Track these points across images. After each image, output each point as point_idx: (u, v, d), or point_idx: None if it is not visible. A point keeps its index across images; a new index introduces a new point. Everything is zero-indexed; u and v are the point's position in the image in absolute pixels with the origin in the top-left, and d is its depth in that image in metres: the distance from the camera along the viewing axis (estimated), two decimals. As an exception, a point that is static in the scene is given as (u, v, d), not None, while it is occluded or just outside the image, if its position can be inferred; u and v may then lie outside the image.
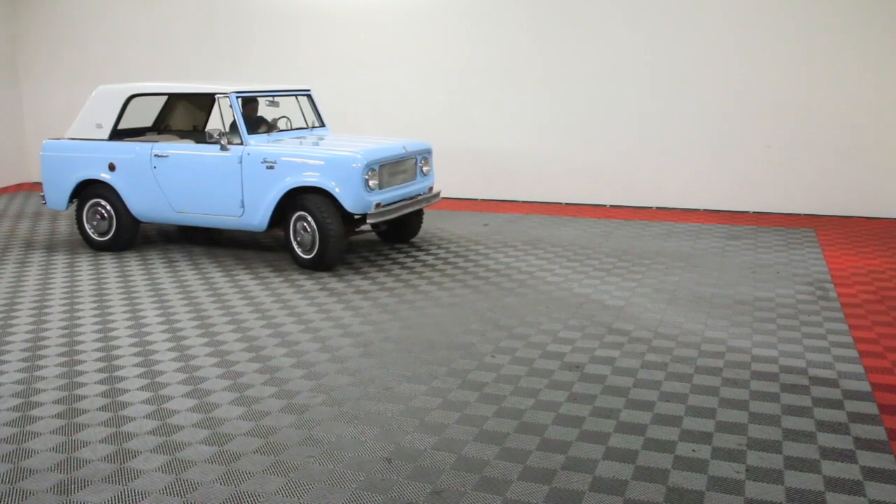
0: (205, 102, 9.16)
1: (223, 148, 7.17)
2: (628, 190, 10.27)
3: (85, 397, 4.24)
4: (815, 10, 9.17)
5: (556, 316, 5.66)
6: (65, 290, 6.45)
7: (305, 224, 6.89)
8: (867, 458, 3.53)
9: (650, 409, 4.05)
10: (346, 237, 6.97)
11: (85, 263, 7.37)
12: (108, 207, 7.76)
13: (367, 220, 6.84)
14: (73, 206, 8.04)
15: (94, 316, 5.71)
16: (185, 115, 9.13)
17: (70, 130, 8.01)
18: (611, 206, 10.37)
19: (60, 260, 7.53)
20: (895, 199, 9.28)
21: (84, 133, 7.91)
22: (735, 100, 9.60)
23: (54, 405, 4.14)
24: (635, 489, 3.29)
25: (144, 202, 7.61)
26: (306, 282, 6.64)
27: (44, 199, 8.08)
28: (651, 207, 10.19)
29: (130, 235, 7.85)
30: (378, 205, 6.91)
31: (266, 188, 7.01)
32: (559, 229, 8.87)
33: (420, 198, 7.60)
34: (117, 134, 7.91)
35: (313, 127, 8.19)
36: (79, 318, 5.67)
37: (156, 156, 7.49)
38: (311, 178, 6.83)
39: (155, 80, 9.12)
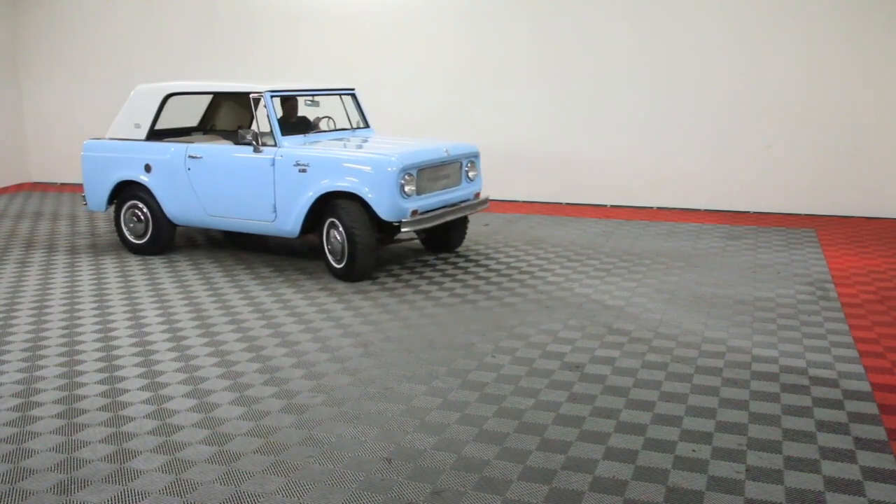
0: (248, 102, 8.68)
1: (256, 149, 6.87)
2: (628, 190, 10.27)
3: (85, 397, 4.24)
4: (816, 10, 9.17)
5: (556, 316, 5.66)
6: (65, 290, 6.44)
7: (336, 232, 6.54)
8: (867, 458, 3.53)
9: (650, 409, 4.05)
10: (377, 246, 6.63)
11: (85, 263, 7.37)
12: (145, 210, 7.55)
13: (402, 229, 6.44)
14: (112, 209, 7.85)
15: (95, 316, 5.71)
16: (229, 115, 8.91)
17: (110, 130, 7.83)
18: (611, 206, 10.37)
19: (60, 260, 7.52)
20: (895, 199, 9.28)
21: (123, 133, 7.72)
22: (735, 100, 9.60)
23: (54, 405, 4.14)
24: (635, 489, 3.29)
25: (179, 205, 7.37)
26: (306, 282, 6.63)
27: (85, 201, 7.91)
28: (651, 207, 10.19)
29: (167, 239, 7.61)
30: (415, 212, 6.48)
31: (298, 192, 6.67)
32: (559, 229, 8.87)
33: (464, 205, 7.12)
34: (156, 134, 7.72)
35: (356, 128, 7.87)
36: (79, 318, 5.67)
37: (190, 157, 7.23)
38: (343, 183, 6.45)
39: (192, 79, 8.95)
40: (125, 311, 5.82)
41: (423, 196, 6.66)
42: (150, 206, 7.51)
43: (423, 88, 10.80)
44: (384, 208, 6.36)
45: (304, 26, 11.25)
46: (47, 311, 5.85)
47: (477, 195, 7.43)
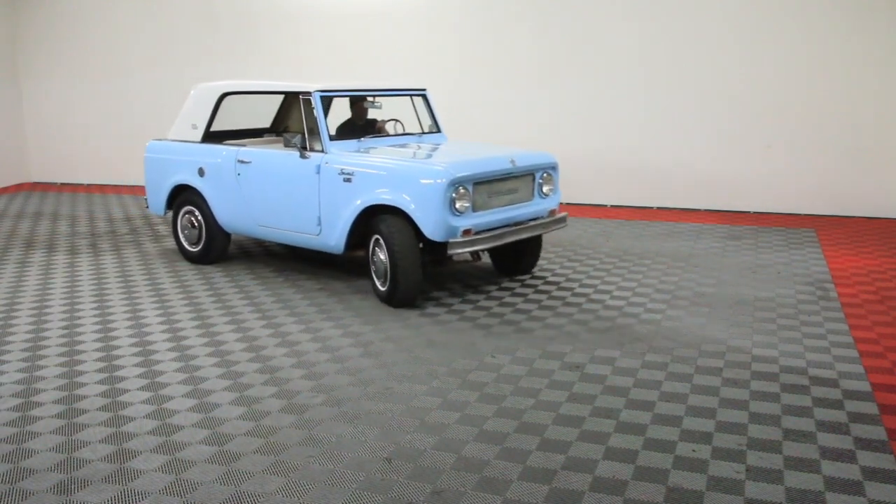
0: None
1: (302, 155, 6.25)
2: (628, 190, 10.27)
3: (85, 397, 4.24)
4: (816, 10, 9.18)
5: (555, 316, 5.66)
6: (65, 290, 6.44)
7: (380, 251, 5.83)
8: (867, 458, 3.53)
9: (650, 409, 4.05)
10: (423, 268, 5.84)
11: (85, 263, 7.37)
12: (199, 216, 7.14)
13: (449, 251, 5.59)
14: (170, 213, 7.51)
15: (95, 316, 5.71)
16: (299, 116, 8.22)
17: (171, 131, 7.50)
18: (611, 206, 10.37)
19: (60, 260, 7.52)
20: (895, 199, 9.28)
21: (182, 134, 7.35)
22: (735, 100, 9.60)
23: (54, 405, 4.14)
24: (635, 489, 3.29)
25: (229, 212, 6.87)
26: (306, 282, 6.63)
27: (147, 203, 7.62)
28: (651, 207, 10.19)
29: (221, 248, 7.19)
30: (467, 231, 5.63)
31: (342, 204, 5.99)
32: (559, 229, 8.85)
33: (534, 223, 6.16)
34: (218, 135, 7.35)
35: (424, 133, 7.14)
36: (79, 318, 5.67)
37: (239, 161, 6.71)
38: (387, 196, 5.73)
39: (248, 78, 8.47)
40: (125, 311, 5.82)
41: (480, 213, 5.80)
42: (204, 212, 7.07)
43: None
44: (430, 226, 5.57)
45: (305, 26, 11.26)
46: (47, 311, 5.85)
47: (553, 212, 6.47)
